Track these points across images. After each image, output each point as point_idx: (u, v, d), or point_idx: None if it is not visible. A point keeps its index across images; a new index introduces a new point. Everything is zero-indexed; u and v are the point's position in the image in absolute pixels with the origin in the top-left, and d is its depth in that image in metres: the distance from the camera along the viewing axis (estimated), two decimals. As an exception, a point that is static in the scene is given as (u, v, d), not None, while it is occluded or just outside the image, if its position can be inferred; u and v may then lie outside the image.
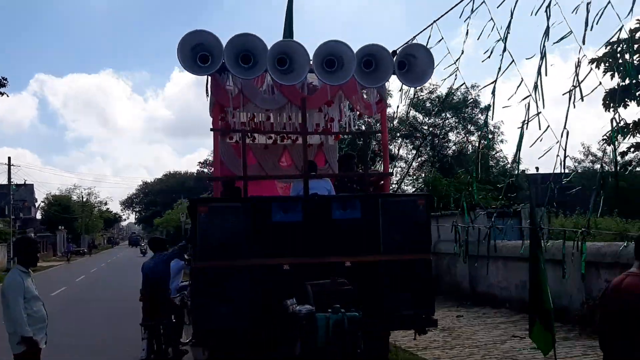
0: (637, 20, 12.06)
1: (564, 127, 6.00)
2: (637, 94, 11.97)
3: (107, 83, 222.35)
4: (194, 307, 6.20)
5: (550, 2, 6.84)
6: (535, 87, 6.94)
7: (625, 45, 11.20)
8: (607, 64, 12.40)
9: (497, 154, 27.53)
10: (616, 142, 7.15)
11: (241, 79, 6.95)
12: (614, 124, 6.23)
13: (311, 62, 6.58)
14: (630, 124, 12.29)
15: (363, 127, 20.33)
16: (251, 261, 6.30)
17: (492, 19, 8.06)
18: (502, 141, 27.26)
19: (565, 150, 7.66)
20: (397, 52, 6.81)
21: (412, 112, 26.17)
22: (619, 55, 11.66)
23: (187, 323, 8.40)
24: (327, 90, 7.24)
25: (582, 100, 6.94)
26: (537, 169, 40.75)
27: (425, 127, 26.66)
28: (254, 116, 8.33)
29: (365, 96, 7.50)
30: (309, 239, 6.47)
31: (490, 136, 27.41)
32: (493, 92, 8.01)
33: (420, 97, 24.26)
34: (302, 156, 10.00)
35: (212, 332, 6.15)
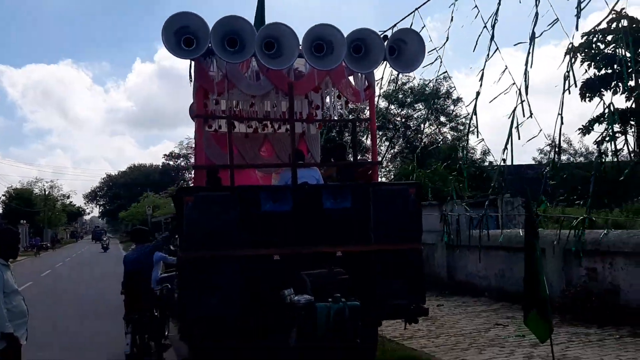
0: (614, 11, 12.21)
1: (559, 114, 5.96)
2: (612, 84, 12.15)
3: (66, 74, 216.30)
4: (182, 297, 5.98)
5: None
6: (526, 73, 6.95)
7: (601, 36, 11.37)
8: (583, 54, 12.55)
9: (472, 144, 27.81)
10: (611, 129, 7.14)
11: (226, 64, 6.72)
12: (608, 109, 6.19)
13: (300, 47, 6.39)
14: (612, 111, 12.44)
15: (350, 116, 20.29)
16: (240, 251, 6.10)
17: (476, 6, 8.02)
18: (472, 132, 27.52)
19: (559, 137, 7.70)
20: (388, 37, 6.67)
21: (384, 104, 26.18)
22: (594, 45, 11.81)
23: (168, 315, 8.17)
24: (314, 76, 7.05)
25: (576, 86, 7.01)
26: (503, 160, 41.51)
27: (398, 119, 26.75)
28: (237, 104, 8.07)
29: (353, 82, 7.34)
30: (299, 228, 6.31)
31: (461, 127, 27.69)
32: (481, 79, 8.00)
33: (394, 89, 24.28)
34: (283, 146, 9.91)
35: (200, 320, 5.94)
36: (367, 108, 9.71)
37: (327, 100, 8.11)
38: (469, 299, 12.17)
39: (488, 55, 6.75)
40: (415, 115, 26.60)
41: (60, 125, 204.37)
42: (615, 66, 11.58)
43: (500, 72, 7.71)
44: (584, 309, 9.26)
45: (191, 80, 6.92)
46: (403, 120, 26.72)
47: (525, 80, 6.51)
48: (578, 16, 6.32)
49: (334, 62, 6.52)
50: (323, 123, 9.29)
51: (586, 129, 12.51)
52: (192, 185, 9.70)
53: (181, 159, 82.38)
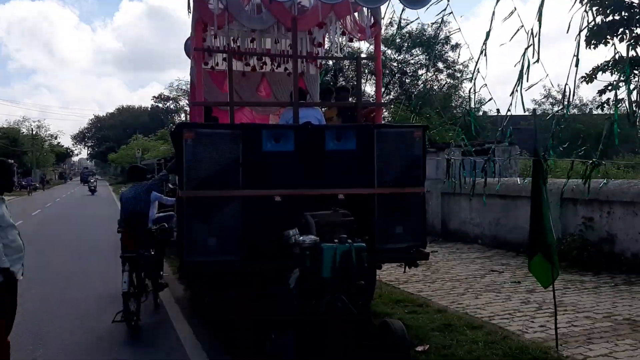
0: None
1: (575, 55, 5.69)
2: (620, 30, 11.84)
3: (52, 11, 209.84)
4: (180, 237, 5.86)
5: None
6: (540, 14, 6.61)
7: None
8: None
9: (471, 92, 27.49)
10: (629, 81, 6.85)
11: (227, -4, 6.38)
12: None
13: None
14: (610, 60, 12.20)
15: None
16: (241, 192, 5.96)
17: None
18: (469, 79, 27.21)
19: (574, 84, 7.39)
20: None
21: (382, 48, 25.61)
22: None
23: (164, 254, 8.09)
24: (318, 11, 6.74)
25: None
26: (498, 110, 41.18)
27: (395, 64, 26.25)
28: (236, 39, 7.74)
29: (358, 19, 7.03)
30: (301, 170, 6.16)
31: (458, 75, 27.31)
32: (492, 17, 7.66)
33: (395, 32, 23.64)
34: (280, 85, 9.64)
35: (198, 265, 5.86)
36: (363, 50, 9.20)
37: (329, 38, 7.78)
38: (462, 246, 12.24)
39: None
40: (412, 61, 26.13)
41: (46, 65, 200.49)
42: (623, 13, 11.32)
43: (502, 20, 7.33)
44: (580, 257, 9.32)
45: (189, 13, 6.60)
46: (399, 65, 26.26)
47: (538, 18, 6.17)
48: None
49: (340, -6, 6.20)
50: (326, 61, 8.97)
51: (589, 77, 12.26)
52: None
53: (170, 101, 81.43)
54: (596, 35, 11.82)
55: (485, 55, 7.77)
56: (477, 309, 6.99)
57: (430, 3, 6.45)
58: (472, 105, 6.98)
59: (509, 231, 11.57)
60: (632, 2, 11.47)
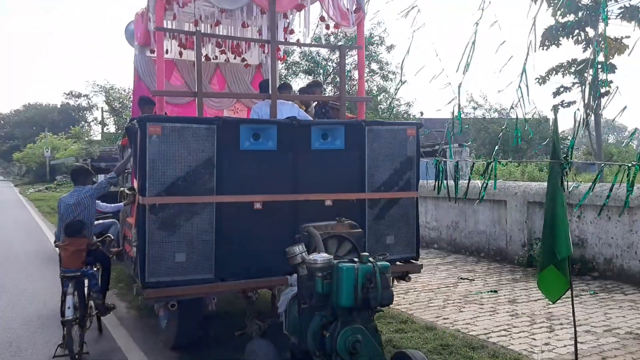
0: None
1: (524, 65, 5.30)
2: (575, 32, 11.82)
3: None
4: (141, 254, 4.85)
5: None
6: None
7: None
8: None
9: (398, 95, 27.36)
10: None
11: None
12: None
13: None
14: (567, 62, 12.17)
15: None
16: (215, 197, 5.04)
17: None
18: (403, 82, 27.08)
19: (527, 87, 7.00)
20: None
21: (314, 49, 24.95)
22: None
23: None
24: (297, -9, 5.92)
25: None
26: (421, 113, 41.80)
27: (330, 64, 25.71)
28: (197, 21, 6.73)
29: (340, 2, 6.26)
30: (285, 172, 5.33)
31: (392, 76, 27.16)
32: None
33: (325, 33, 23.03)
34: (236, 78, 8.69)
35: (165, 285, 4.88)
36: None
37: (302, 24, 6.93)
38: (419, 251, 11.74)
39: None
40: (347, 61, 25.65)
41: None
42: (580, 14, 11.30)
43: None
44: (548, 263, 9.02)
45: (148, -15, 5.57)
46: (334, 64, 25.73)
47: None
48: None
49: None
50: (304, 47, 8.11)
51: (543, 79, 12.18)
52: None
53: (82, 97, 77.23)
54: (550, 37, 11.71)
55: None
56: (468, 325, 6.42)
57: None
58: (459, 104, 6.35)
59: (466, 235, 11.21)
60: (587, 4, 11.48)
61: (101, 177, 16.34)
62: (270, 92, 5.81)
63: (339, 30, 7.45)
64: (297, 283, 3.97)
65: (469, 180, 7.71)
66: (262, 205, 5.19)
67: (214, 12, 6.71)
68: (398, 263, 5.81)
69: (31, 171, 65.97)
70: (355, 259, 3.69)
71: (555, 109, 5.17)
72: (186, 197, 4.92)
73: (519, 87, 5.81)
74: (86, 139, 54.14)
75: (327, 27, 6.62)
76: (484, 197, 10.10)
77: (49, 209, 23.00)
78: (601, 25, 11.36)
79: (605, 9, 7.82)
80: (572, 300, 5.04)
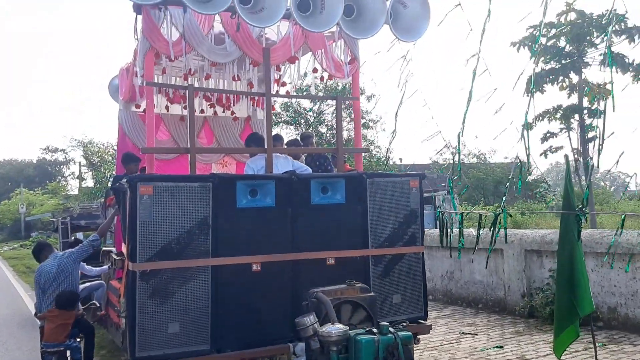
0: (566, 3, 12.01)
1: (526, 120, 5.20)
2: (560, 78, 11.92)
3: None
4: (131, 325, 4.45)
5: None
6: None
7: (544, 30, 11.04)
8: (525, 47, 12.22)
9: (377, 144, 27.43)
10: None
11: (185, 21, 5.24)
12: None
13: (288, 4, 5.05)
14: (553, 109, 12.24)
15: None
16: (210, 260, 4.71)
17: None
18: (384, 130, 27.26)
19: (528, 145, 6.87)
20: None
21: (295, 100, 24.99)
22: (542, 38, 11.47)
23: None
24: (290, 42, 5.75)
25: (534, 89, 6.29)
26: (400, 159, 42.00)
27: (310, 114, 25.74)
28: (186, 74, 6.51)
29: (334, 53, 6.12)
30: (284, 230, 5.03)
31: (372, 125, 27.25)
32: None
33: (305, 84, 23.09)
34: (225, 131, 8.46)
35: (158, 359, 4.47)
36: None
37: (295, 75, 6.75)
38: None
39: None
40: (328, 111, 25.77)
41: None
42: (562, 60, 11.44)
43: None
44: (551, 313, 8.73)
45: (136, 38, 5.36)
46: (315, 115, 25.79)
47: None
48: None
49: (326, 22, 5.25)
50: (312, 99, 7.93)
51: (530, 126, 12.19)
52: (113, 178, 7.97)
53: (59, 152, 76.45)
54: (534, 83, 11.77)
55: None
56: (480, 386, 6.04)
57: (422, 35, 5.72)
58: (459, 153, 6.19)
59: (462, 286, 10.88)
60: (571, 51, 11.63)
61: (80, 235, 15.80)
62: (261, 145, 5.57)
63: (323, 81, 7.33)
64: (308, 357, 3.61)
65: (461, 229, 7.47)
66: (260, 266, 4.87)
67: (203, 65, 6.52)
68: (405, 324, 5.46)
69: (5, 228, 64.37)
70: (374, 330, 3.36)
71: (566, 158, 5.05)
72: (180, 261, 4.59)
73: (521, 136, 5.66)
74: (63, 193, 53.20)
75: (322, 78, 6.46)
76: (479, 246, 9.88)
77: (23, 268, 22.17)
78: (585, 71, 11.58)
79: (610, 35, 7.86)
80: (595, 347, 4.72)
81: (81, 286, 6.40)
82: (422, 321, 5.61)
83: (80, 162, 51.44)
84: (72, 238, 6.79)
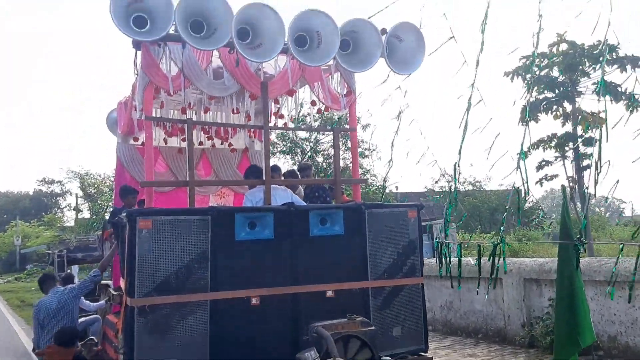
0: (557, 34, 12.22)
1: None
2: (554, 107, 12.05)
3: None
4: (128, 361, 4.40)
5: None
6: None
7: (537, 60, 11.19)
8: (519, 77, 12.38)
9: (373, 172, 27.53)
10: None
11: (183, 56, 5.32)
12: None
13: (286, 39, 5.12)
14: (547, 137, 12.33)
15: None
16: (209, 295, 4.68)
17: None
18: (380, 158, 27.36)
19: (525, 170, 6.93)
20: (387, 31, 5.58)
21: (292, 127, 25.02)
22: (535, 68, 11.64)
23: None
24: (287, 76, 5.82)
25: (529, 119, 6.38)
26: (397, 187, 42.04)
27: (307, 143, 25.87)
28: (184, 108, 6.57)
29: (331, 86, 6.19)
30: (283, 262, 5.02)
31: (367, 153, 27.35)
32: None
33: (302, 114, 23.26)
34: (222, 163, 8.50)
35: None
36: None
37: (293, 107, 6.82)
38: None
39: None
40: (324, 140, 25.91)
41: None
42: (556, 90, 11.59)
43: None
44: (551, 343, 8.65)
45: (136, 72, 5.42)
46: (312, 144, 25.92)
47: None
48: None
49: (323, 56, 5.32)
50: (309, 131, 7.98)
51: (525, 154, 12.28)
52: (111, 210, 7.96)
53: (56, 184, 76.27)
54: (528, 113, 11.92)
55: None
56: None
57: (417, 68, 5.82)
58: (455, 184, 6.24)
59: (461, 316, 10.81)
60: (564, 80, 11.78)
61: (75, 268, 15.65)
62: (260, 177, 5.60)
63: (321, 113, 7.41)
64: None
65: (459, 260, 7.47)
66: (259, 300, 4.84)
67: (202, 98, 6.59)
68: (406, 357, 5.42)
69: (0, 261, 63.83)
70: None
71: (562, 188, 5.06)
72: (179, 295, 4.56)
73: (517, 166, 5.73)
74: (59, 225, 52.89)
75: (319, 111, 6.52)
76: (479, 276, 9.85)
77: (18, 302, 21.93)
78: (578, 100, 11.72)
79: (604, 61, 8.02)
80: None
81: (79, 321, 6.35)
82: (422, 354, 5.54)
83: (77, 194, 51.32)
84: (68, 271, 6.74)
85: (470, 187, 45.62)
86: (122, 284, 4.89)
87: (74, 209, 52.76)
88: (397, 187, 41.11)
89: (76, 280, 8.19)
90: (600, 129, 5.63)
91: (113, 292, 5.48)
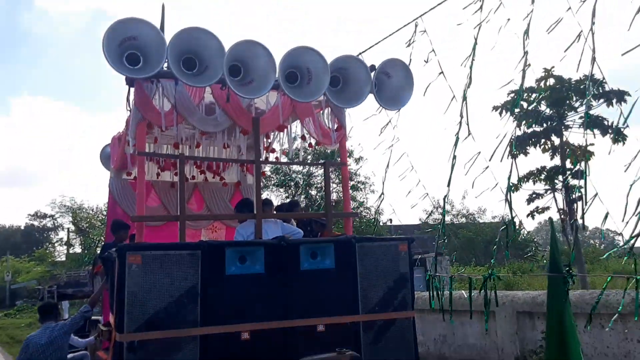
0: (544, 69, 12.46)
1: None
2: (542, 141, 12.21)
3: None
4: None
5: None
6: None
7: (525, 94, 11.41)
8: (507, 111, 12.59)
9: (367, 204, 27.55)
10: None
11: (176, 92, 5.40)
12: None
13: (277, 76, 5.23)
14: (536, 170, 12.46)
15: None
16: (199, 330, 4.66)
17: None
18: (373, 191, 27.40)
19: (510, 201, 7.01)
20: (376, 67, 5.71)
21: (284, 160, 25.14)
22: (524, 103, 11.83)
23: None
24: (279, 111, 5.92)
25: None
26: (390, 220, 42.00)
27: (300, 176, 25.96)
28: (177, 143, 6.64)
29: (321, 121, 6.29)
30: (274, 297, 5.01)
31: (361, 186, 27.44)
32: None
33: (294, 148, 23.36)
34: (214, 197, 8.54)
35: None
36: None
37: (285, 142, 6.89)
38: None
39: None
40: (316, 173, 26.00)
41: None
42: (544, 124, 11.78)
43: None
44: (546, 377, 8.60)
45: (129, 109, 5.50)
46: (304, 177, 26.00)
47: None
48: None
49: (313, 93, 5.42)
50: (301, 165, 8.04)
51: (515, 187, 12.39)
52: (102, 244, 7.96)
53: (48, 218, 75.68)
54: (517, 146, 12.06)
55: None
56: None
57: (406, 104, 5.93)
58: (444, 217, 6.33)
59: (455, 349, 10.72)
60: (551, 114, 11.98)
61: (66, 304, 15.45)
62: (252, 210, 5.62)
63: (312, 147, 7.50)
64: None
65: (451, 293, 7.49)
66: (249, 335, 4.82)
67: (194, 133, 6.66)
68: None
69: (-10, 298, 62.81)
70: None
71: (550, 220, 5.14)
72: (168, 331, 4.53)
73: (505, 199, 5.80)
74: (50, 260, 52.29)
75: (310, 145, 6.61)
76: (471, 309, 9.82)
77: (7, 338, 21.53)
78: (566, 134, 11.89)
79: (589, 96, 8.20)
80: None
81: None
82: (415, 390, 5.50)
83: (69, 229, 50.93)
84: (86, 307, 6.68)
85: (464, 220, 45.61)
86: (111, 319, 4.86)
87: (65, 244, 52.33)
88: (390, 220, 41.15)
89: (66, 315, 8.10)
90: (586, 162, 5.73)
91: (102, 327, 5.43)
